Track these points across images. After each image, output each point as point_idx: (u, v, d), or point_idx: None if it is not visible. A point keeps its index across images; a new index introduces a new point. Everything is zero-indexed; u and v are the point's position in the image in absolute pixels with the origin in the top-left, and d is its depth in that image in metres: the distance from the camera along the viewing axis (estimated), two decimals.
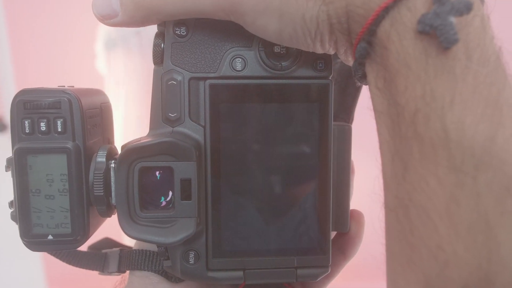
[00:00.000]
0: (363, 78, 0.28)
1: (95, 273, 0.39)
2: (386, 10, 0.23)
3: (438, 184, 0.22)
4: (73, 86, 0.35)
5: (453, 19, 0.22)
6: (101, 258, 0.39)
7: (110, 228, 0.40)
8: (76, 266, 0.39)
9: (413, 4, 0.23)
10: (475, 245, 0.21)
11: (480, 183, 0.21)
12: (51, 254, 0.37)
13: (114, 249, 0.39)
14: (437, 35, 0.22)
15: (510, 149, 0.21)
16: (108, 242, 0.42)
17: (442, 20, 0.22)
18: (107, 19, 0.30)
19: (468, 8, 0.22)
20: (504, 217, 0.20)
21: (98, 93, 0.37)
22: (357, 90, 0.41)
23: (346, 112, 0.42)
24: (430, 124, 0.22)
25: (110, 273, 0.38)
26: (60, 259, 0.38)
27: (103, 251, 0.40)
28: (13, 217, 0.32)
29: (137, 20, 0.30)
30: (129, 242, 0.41)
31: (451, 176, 0.22)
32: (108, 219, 0.37)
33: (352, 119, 0.43)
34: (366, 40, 0.25)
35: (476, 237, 0.21)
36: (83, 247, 0.38)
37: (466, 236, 0.21)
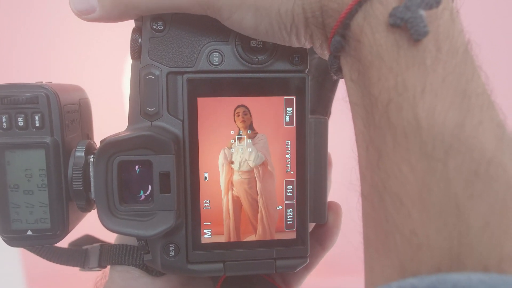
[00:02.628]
0: (339, 71, 0.28)
1: (75, 272, 0.39)
2: (359, 4, 0.24)
3: (410, 170, 0.23)
4: (51, 82, 0.35)
5: (423, 12, 0.23)
6: (81, 254, 0.39)
7: (91, 225, 0.40)
8: (56, 262, 0.38)
9: None
10: (446, 229, 0.21)
11: (450, 168, 0.22)
12: (31, 251, 0.37)
13: (95, 244, 0.39)
14: (408, 27, 0.23)
15: (478, 135, 0.22)
16: (88, 239, 0.41)
17: (413, 13, 0.23)
18: (84, 14, 0.30)
19: (437, 2, 0.23)
20: (473, 200, 0.21)
21: (77, 89, 0.37)
22: (334, 85, 0.42)
23: (324, 107, 0.43)
24: (402, 113, 0.23)
25: (90, 269, 0.38)
26: (40, 255, 0.38)
27: (84, 247, 0.40)
28: None
29: (114, 15, 0.30)
30: (109, 239, 0.41)
31: (422, 162, 0.22)
32: (88, 216, 0.36)
33: (330, 113, 0.44)
34: (340, 34, 0.26)
35: (447, 221, 0.21)
36: (63, 244, 0.37)
37: (437, 220, 0.21)
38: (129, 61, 0.33)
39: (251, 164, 0.34)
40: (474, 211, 0.21)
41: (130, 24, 0.33)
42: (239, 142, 0.34)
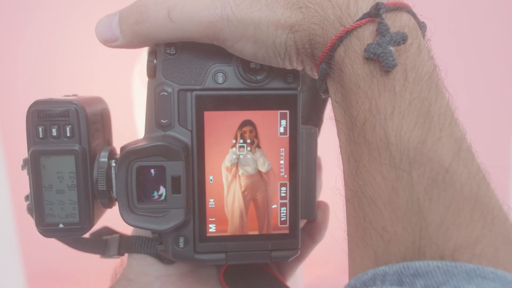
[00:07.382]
0: (326, 92, 0.31)
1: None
2: (340, 39, 0.27)
3: (382, 179, 0.26)
4: (76, 95, 0.38)
5: (392, 48, 0.25)
6: (102, 244, 0.42)
7: (109, 219, 0.43)
8: (81, 250, 0.41)
9: (362, 35, 0.27)
10: (410, 226, 0.24)
11: (414, 177, 0.25)
12: (60, 241, 0.40)
13: (115, 235, 0.42)
14: (380, 61, 0.26)
15: (437, 149, 0.25)
16: (107, 231, 0.44)
17: (383, 49, 0.25)
18: (109, 42, 0.32)
19: (404, 39, 0.26)
20: (431, 202, 0.24)
21: (99, 100, 0.39)
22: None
23: (317, 114, 0.45)
24: (375, 132, 0.26)
25: (110, 256, 0.41)
26: (67, 244, 0.41)
27: (104, 237, 0.42)
28: (29, 209, 0.34)
29: (134, 44, 0.32)
30: (124, 231, 0.44)
31: (392, 172, 0.25)
32: (107, 212, 0.39)
33: (322, 121, 0.46)
34: (326, 62, 0.28)
35: (410, 219, 0.24)
36: (86, 235, 0.41)
37: (403, 219, 0.24)
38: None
39: (262, 169, 0.36)
40: (432, 211, 0.24)
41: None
42: (240, 151, 0.36)
